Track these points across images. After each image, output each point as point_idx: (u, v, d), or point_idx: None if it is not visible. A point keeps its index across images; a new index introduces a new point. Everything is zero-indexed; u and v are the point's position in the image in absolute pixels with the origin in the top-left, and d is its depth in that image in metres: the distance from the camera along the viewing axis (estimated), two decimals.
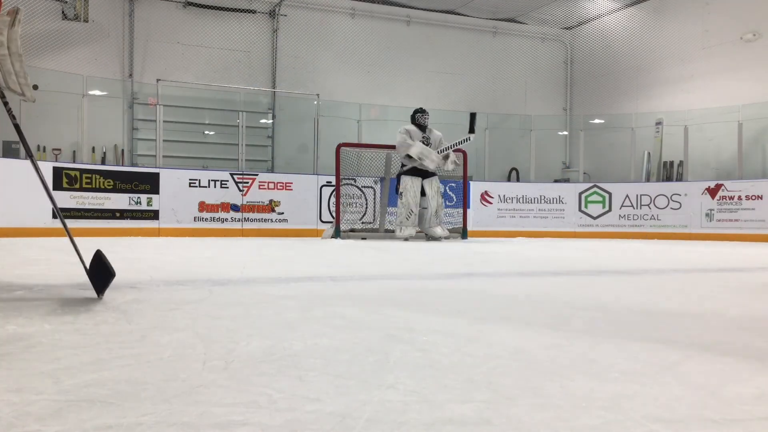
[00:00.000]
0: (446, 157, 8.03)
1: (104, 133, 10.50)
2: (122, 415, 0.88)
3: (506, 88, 13.11)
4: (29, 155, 2.30)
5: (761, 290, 2.96)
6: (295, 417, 0.89)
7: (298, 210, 9.42)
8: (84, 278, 2.12)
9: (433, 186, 8.04)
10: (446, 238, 8.15)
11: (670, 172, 11.30)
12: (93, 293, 2.09)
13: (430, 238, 8.00)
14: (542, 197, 10.60)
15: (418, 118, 8.11)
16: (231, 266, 3.67)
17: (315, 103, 11.14)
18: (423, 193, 7.98)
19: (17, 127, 2.26)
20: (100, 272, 2.05)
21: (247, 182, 9.16)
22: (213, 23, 11.30)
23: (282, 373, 1.14)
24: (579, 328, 1.69)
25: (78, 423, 0.85)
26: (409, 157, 7.89)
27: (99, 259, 2.06)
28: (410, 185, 7.92)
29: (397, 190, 8.15)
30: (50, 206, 7.99)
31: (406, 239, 7.79)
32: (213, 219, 8.97)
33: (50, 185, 7.99)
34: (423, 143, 7.94)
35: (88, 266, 2.09)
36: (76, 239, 2.24)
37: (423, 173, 7.96)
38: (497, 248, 6.39)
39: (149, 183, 8.67)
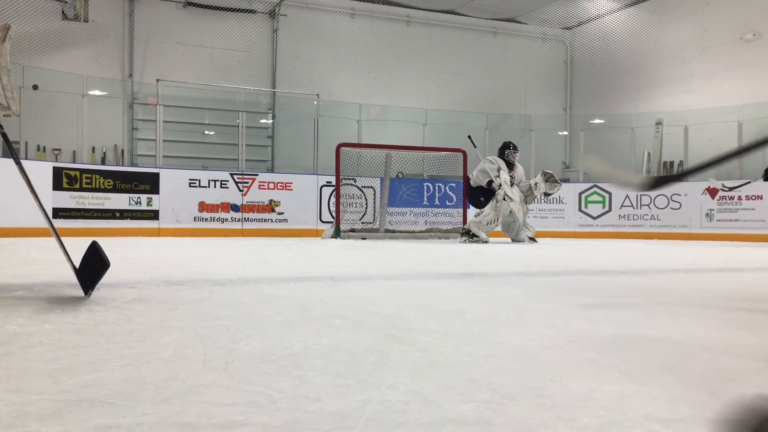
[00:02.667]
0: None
1: (104, 133, 10.50)
2: (122, 415, 0.88)
3: (506, 88, 13.11)
4: (17, 161, 2.31)
5: (761, 290, 2.96)
6: (295, 417, 0.89)
7: (298, 210, 9.42)
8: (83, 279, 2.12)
9: (519, 198, 8.03)
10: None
11: (670, 172, 11.31)
12: (96, 294, 2.09)
13: (527, 239, 8.02)
14: (542, 197, 10.60)
15: (508, 155, 8.01)
16: (231, 266, 3.67)
17: (315, 103, 11.14)
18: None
19: (4, 135, 2.27)
20: (94, 264, 2.05)
21: (247, 182, 9.16)
22: (213, 23, 11.30)
23: (282, 373, 1.14)
24: (579, 328, 1.69)
25: (78, 423, 0.85)
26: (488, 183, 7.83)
27: (95, 250, 2.06)
28: (509, 197, 7.79)
29: (482, 195, 8.02)
30: (50, 206, 7.99)
31: (473, 241, 7.72)
32: (213, 219, 8.97)
33: (50, 185, 8.02)
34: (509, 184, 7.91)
35: (81, 260, 2.10)
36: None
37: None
38: (497, 248, 6.39)
39: (149, 183, 8.67)
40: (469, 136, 8.58)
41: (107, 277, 2.10)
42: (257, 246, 6.16)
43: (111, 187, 8.44)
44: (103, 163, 10.27)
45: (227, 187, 9.07)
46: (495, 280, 3.15)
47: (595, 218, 10.44)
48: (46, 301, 2.01)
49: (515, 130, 13.01)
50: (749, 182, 8.69)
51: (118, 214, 8.46)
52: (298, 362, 1.23)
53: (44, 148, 10.00)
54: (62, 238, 2.21)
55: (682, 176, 2.48)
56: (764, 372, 1.24)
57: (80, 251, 2.14)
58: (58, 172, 8.14)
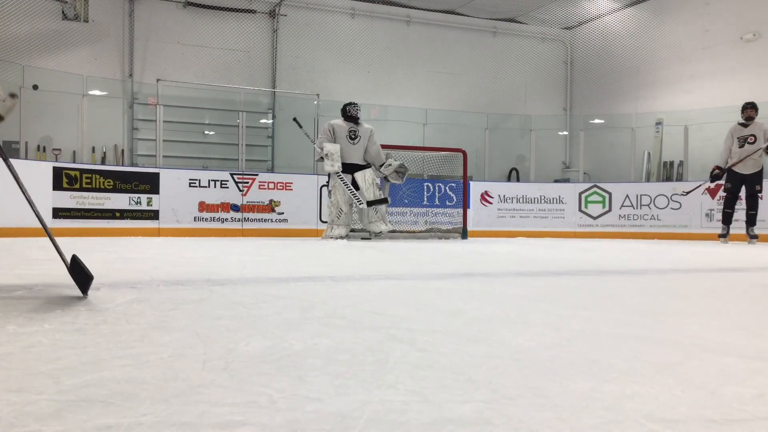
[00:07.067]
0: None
1: (104, 133, 10.50)
2: (122, 415, 0.88)
3: (506, 88, 13.11)
4: (4, 160, 2.32)
5: (761, 290, 2.96)
6: (295, 417, 0.89)
7: (298, 210, 9.42)
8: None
9: (366, 179, 7.70)
10: (390, 232, 7.91)
11: (670, 172, 11.31)
12: (96, 294, 2.09)
13: (373, 234, 7.82)
14: (542, 197, 10.60)
15: (349, 110, 7.81)
16: (231, 266, 3.67)
17: (315, 103, 11.14)
18: (357, 188, 7.67)
19: None
20: (79, 276, 2.07)
21: (247, 182, 9.16)
22: (213, 23, 11.30)
23: (282, 373, 1.14)
24: (579, 328, 1.69)
25: (78, 423, 0.85)
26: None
27: (76, 263, 2.07)
28: (338, 182, 7.61)
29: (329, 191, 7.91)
30: (50, 206, 7.99)
31: (335, 239, 7.53)
32: (213, 219, 8.97)
33: (50, 185, 8.02)
34: (350, 136, 7.69)
35: (69, 267, 2.10)
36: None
37: (352, 167, 7.70)
38: (497, 248, 6.39)
39: (149, 183, 8.66)
40: (294, 119, 8.25)
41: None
42: (257, 246, 6.16)
43: (111, 187, 8.43)
44: (103, 163, 10.27)
45: (227, 187, 9.07)
46: (495, 280, 3.15)
47: (595, 218, 10.44)
48: (46, 301, 2.01)
49: (515, 130, 13.01)
50: (702, 183, 9.25)
51: (118, 214, 8.45)
52: (298, 362, 1.23)
53: (44, 148, 10.00)
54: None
55: None
56: (764, 372, 1.24)
57: (80, 251, 2.14)
58: (58, 172, 8.14)
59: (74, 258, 2.09)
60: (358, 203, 7.61)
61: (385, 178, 7.96)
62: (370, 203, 7.65)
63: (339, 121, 7.80)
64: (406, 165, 8.03)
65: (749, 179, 8.25)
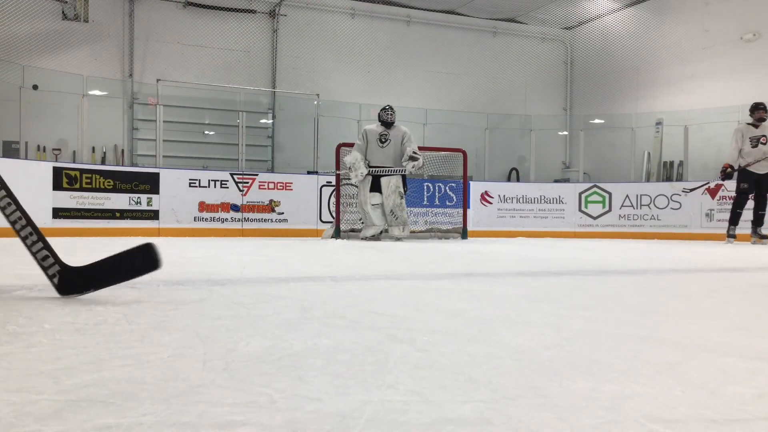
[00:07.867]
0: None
1: (104, 133, 10.51)
2: (122, 415, 0.88)
3: (506, 88, 13.12)
4: None
5: (761, 290, 2.96)
6: (295, 417, 0.89)
7: (298, 210, 9.42)
8: (80, 279, 2.12)
9: (390, 185, 7.76)
10: (403, 238, 7.85)
11: (670, 172, 11.31)
12: (96, 294, 2.09)
13: (391, 237, 7.89)
14: (542, 197, 10.60)
15: (382, 115, 7.95)
16: (231, 266, 3.67)
17: (315, 103, 11.14)
18: (380, 191, 7.81)
19: None
20: (140, 263, 2.01)
21: (247, 182, 9.16)
22: (213, 23, 11.31)
23: (282, 373, 1.14)
24: (579, 328, 1.69)
25: (78, 423, 0.85)
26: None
27: (149, 249, 2.01)
28: (361, 186, 7.79)
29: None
30: (50, 206, 7.99)
31: (365, 239, 7.69)
32: (213, 219, 8.96)
33: (50, 185, 8.02)
34: (380, 140, 7.80)
35: (122, 254, 2.07)
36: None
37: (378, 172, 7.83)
38: (497, 248, 6.39)
39: (149, 183, 8.66)
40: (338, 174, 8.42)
41: None
42: (257, 246, 6.16)
43: (111, 187, 8.43)
44: (103, 163, 10.27)
45: (227, 187, 9.07)
46: (495, 280, 3.15)
47: (595, 218, 10.44)
48: (46, 301, 2.01)
49: (515, 130, 13.01)
50: (708, 183, 9.35)
51: (118, 214, 8.45)
52: (298, 362, 1.23)
53: (44, 148, 10.00)
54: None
55: None
56: (764, 372, 1.24)
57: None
58: (58, 172, 8.14)
59: (149, 246, 2.02)
60: (402, 167, 7.76)
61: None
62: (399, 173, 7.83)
63: (373, 126, 8.01)
64: (416, 155, 7.97)
65: (763, 179, 8.28)
